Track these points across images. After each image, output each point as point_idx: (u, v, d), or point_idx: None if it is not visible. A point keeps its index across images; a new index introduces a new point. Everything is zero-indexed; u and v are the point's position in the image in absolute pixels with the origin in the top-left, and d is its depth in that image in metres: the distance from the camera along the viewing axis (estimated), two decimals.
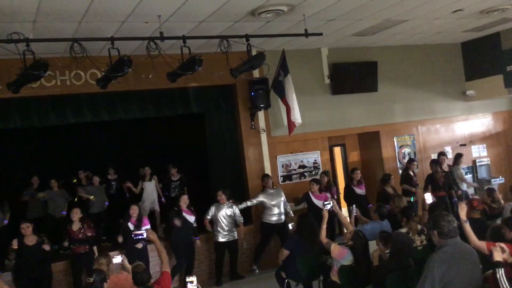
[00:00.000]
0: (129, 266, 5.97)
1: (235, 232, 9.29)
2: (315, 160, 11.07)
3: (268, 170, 10.38)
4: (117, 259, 6.14)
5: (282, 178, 10.62)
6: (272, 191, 9.65)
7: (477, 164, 12.88)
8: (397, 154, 12.06)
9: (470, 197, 9.33)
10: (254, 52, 8.10)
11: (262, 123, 10.50)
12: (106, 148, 12.92)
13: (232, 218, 9.22)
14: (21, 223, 7.98)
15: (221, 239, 9.17)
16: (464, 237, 4.86)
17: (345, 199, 10.68)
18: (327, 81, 11.23)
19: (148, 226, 8.49)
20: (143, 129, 13.05)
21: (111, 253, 6.63)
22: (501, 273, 4.21)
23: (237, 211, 9.28)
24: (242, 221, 9.40)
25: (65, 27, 7.15)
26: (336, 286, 6.21)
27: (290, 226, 8.24)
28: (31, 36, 6.92)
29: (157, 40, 7.09)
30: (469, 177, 12.76)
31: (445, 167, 10.81)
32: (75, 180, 11.40)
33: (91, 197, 10.55)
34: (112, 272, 5.94)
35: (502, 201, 7.92)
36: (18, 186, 10.98)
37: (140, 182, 10.92)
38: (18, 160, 12.13)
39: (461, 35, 11.84)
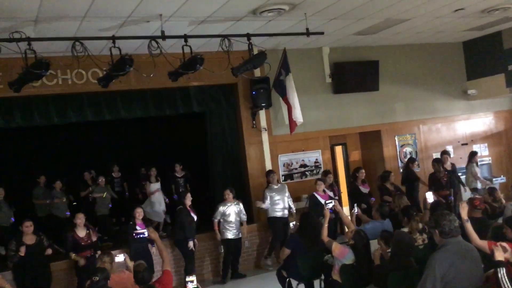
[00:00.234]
0: (131, 265, 5.98)
1: (240, 230, 9.34)
2: (316, 159, 11.07)
3: (269, 169, 10.35)
4: (120, 257, 6.15)
5: (283, 177, 10.62)
6: (276, 186, 9.70)
7: (479, 163, 12.85)
8: (398, 153, 12.05)
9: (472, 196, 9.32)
10: (255, 51, 8.12)
11: (263, 122, 10.50)
12: (107, 147, 12.92)
13: (238, 216, 9.29)
14: (23, 222, 7.97)
15: (230, 236, 9.23)
16: (465, 236, 4.86)
17: (350, 197, 10.67)
18: (328, 80, 11.23)
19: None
20: (144, 128, 13.06)
21: (113, 252, 6.64)
22: (502, 272, 4.21)
23: (243, 209, 9.39)
24: (246, 219, 9.45)
25: (67, 26, 7.16)
26: (337, 285, 6.20)
27: (291, 225, 8.23)
28: (33, 35, 6.94)
29: (158, 39, 7.10)
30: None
31: (448, 166, 10.79)
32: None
33: (104, 194, 10.58)
34: (114, 271, 5.94)
35: (504, 201, 7.91)
36: (21, 185, 10.97)
37: (148, 184, 10.75)
38: (19, 159, 12.13)
39: (462, 34, 11.83)
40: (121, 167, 12.14)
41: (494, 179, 12.30)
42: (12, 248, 7.68)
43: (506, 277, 4.17)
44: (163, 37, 7.20)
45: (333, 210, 7.49)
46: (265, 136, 10.52)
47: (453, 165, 11.12)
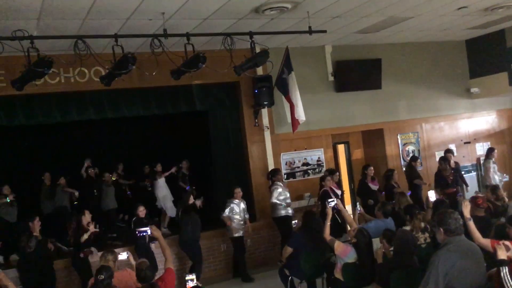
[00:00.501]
0: (134, 263, 5.98)
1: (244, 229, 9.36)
2: (318, 158, 11.07)
3: (271, 168, 10.36)
4: (123, 255, 6.16)
5: (285, 175, 10.61)
6: (282, 184, 9.67)
7: (481, 162, 12.83)
8: (401, 152, 12.04)
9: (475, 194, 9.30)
10: (258, 50, 8.11)
11: (265, 120, 10.50)
12: (108, 146, 12.92)
13: (243, 214, 9.31)
14: (34, 218, 8.09)
15: (241, 234, 9.24)
16: (468, 235, 4.85)
17: (359, 194, 10.68)
18: (331, 78, 11.22)
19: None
20: (146, 127, 13.06)
21: (116, 250, 6.65)
22: (505, 271, 4.19)
23: (245, 207, 9.40)
24: (248, 217, 9.46)
25: (69, 24, 7.17)
26: (340, 283, 6.20)
27: (293, 223, 8.23)
28: (36, 33, 6.95)
29: (161, 38, 7.10)
30: (473, 175, 12.76)
31: (451, 164, 10.78)
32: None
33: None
34: (117, 269, 5.95)
35: (507, 199, 7.89)
36: (24, 183, 10.99)
37: (156, 179, 10.79)
38: (22, 158, 12.14)
39: (465, 32, 11.80)
40: (124, 165, 12.19)
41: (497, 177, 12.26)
42: (24, 240, 7.75)
43: (508, 276, 4.16)
44: (166, 35, 7.19)
45: (337, 209, 7.47)
46: (267, 135, 10.52)
47: (456, 163, 11.09)
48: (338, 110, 11.23)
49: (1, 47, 6.46)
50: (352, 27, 9.64)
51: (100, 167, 11.43)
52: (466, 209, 5.22)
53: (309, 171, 10.96)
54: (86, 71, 8.95)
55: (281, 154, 10.70)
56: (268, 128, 10.49)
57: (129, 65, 6.99)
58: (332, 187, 9.66)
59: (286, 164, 10.73)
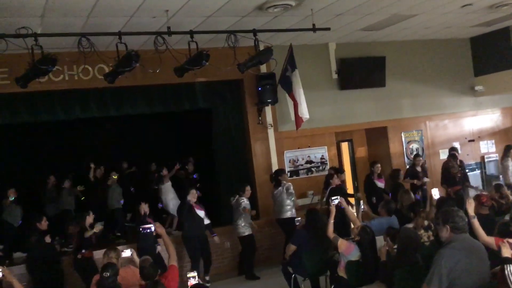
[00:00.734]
0: (138, 260, 5.99)
1: None
2: (322, 156, 11.06)
3: (275, 166, 10.37)
4: (127, 253, 6.16)
5: (289, 173, 10.59)
6: (287, 184, 9.63)
7: (486, 160, 12.81)
8: (404, 150, 12.02)
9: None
10: (261, 47, 8.09)
11: (269, 118, 10.49)
12: (112, 143, 12.94)
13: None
14: (41, 219, 8.14)
15: (251, 232, 9.22)
16: (472, 233, 4.84)
17: (365, 191, 10.67)
18: (335, 76, 11.20)
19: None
20: (150, 125, 13.08)
21: (120, 247, 6.66)
22: (509, 269, 4.19)
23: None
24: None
25: (73, 22, 7.17)
26: (343, 281, 6.20)
27: (296, 221, 8.23)
28: (39, 31, 6.96)
29: (164, 35, 7.10)
30: (477, 173, 12.72)
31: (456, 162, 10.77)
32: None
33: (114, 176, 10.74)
34: (120, 266, 5.96)
35: (511, 197, 7.87)
36: (28, 184, 11.02)
37: (163, 183, 10.61)
38: (24, 155, 12.16)
39: (470, 30, 11.76)
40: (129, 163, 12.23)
41: (501, 176, 12.23)
42: (34, 237, 7.81)
43: None
44: (169, 32, 7.20)
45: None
46: (271, 132, 10.51)
47: (461, 161, 11.08)
48: (342, 108, 11.21)
49: (5, 45, 6.49)
50: (356, 24, 9.62)
51: (103, 165, 11.45)
52: (471, 207, 5.22)
53: (312, 169, 10.95)
54: (89, 68, 8.96)
55: (285, 152, 10.69)
56: (271, 126, 10.49)
57: (133, 62, 7.00)
58: (340, 184, 9.70)
59: (289, 162, 10.73)
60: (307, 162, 10.93)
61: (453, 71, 12.56)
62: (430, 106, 12.24)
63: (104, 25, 7.38)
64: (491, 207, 7.02)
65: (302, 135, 10.65)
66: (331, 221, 6.67)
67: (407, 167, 11.46)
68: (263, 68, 10.03)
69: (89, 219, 8.17)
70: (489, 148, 12.91)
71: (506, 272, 4.20)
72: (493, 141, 12.98)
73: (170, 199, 10.47)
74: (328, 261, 6.96)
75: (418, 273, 5.10)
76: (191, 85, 10.06)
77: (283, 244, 9.31)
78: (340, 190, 9.48)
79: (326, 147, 11.14)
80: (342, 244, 6.25)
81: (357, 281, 6.01)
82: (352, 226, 7.22)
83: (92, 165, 10.99)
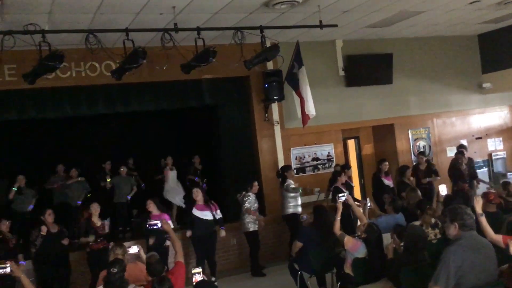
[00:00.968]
0: (144, 257, 6.01)
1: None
2: (328, 153, 11.05)
3: (281, 163, 10.37)
4: (133, 249, 6.17)
5: (295, 170, 10.58)
6: (292, 181, 9.61)
7: (493, 157, 12.75)
8: (411, 147, 11.98)
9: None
10: (268, 44, 8.09)
11: (275, 115, 10.48)
12: (119, 140, 12.95)
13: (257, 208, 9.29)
14: (45, 210, 8.07)
15: (256, 228, 9.20)
16: (480, 230, 4.81)
17: (373, 189, 10.66)
18: (342, 73, 11.17)
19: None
20: (156, 121, 13.08)
21: (126, 243, 6.67)
22: None
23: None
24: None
25: (80, 18, 7.19)
26: (350, 278, 6.19)
27: (302, 217, 8.22)
28: (47, 27, 6.97)
29: (171, 32, 7.12)
30: (484, 171, 12.66)
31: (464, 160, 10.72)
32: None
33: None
34: (127, 262, 5.97)
35: None
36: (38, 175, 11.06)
37: (167, 169, 10.84)
38: (31, 152, 12.19)
39: (477, 27, 11.69)
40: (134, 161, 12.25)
41: (508, 173, 12.18)
42: (36, 234, 7.80)
43: None
44: (176, 29, 7.21)
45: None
46: (277, 129, 10.50)
47: (470, 159, 11.02)
48: (349, 105, 11.18)
49: (12, 41, 6.52)
50: (363, 21, 9.58)
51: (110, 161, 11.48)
52: (478, 205, 5.19)
53: (319, 166, 10.94)
54: (97, 65, 8.99)
55: (291, 149, 10.68)
56: (278, 123, 10.48)
57: (140, 59, 7.01)
58: (347, 180, 9.70)
59: (296, 159, 10.72)
60: (314, 159, 10.91)
61: (461, 68, 12.50)
62: (437, 103, 12.19)
63: (111, 22, 7.40)
64: (498, 205, 6.98)
65: (309, 132, 10.64)
66: (338, 218, 6.66)
67: (414, 164, 11.42)
68: (270, 65, 10.00)
69: (93, 209, 8.19)
70: (496, 146, 12.84)
71: None
72: (501, 138, 12.91)
73: (171, 188, 10.64)
74: (334, 258, 6.95)
75: (425, 270, 5.08)
76: (198, 82, 10.07)
77: (288, 241, 9.31)
78: (347, 186, 9.48)
79: (332, 144, 11.12)
80: (349, 241, 6.24)
81: (363, 279, 6.00)
82: (359, 223, 7.20)
83: (108, 165, 11.10)
